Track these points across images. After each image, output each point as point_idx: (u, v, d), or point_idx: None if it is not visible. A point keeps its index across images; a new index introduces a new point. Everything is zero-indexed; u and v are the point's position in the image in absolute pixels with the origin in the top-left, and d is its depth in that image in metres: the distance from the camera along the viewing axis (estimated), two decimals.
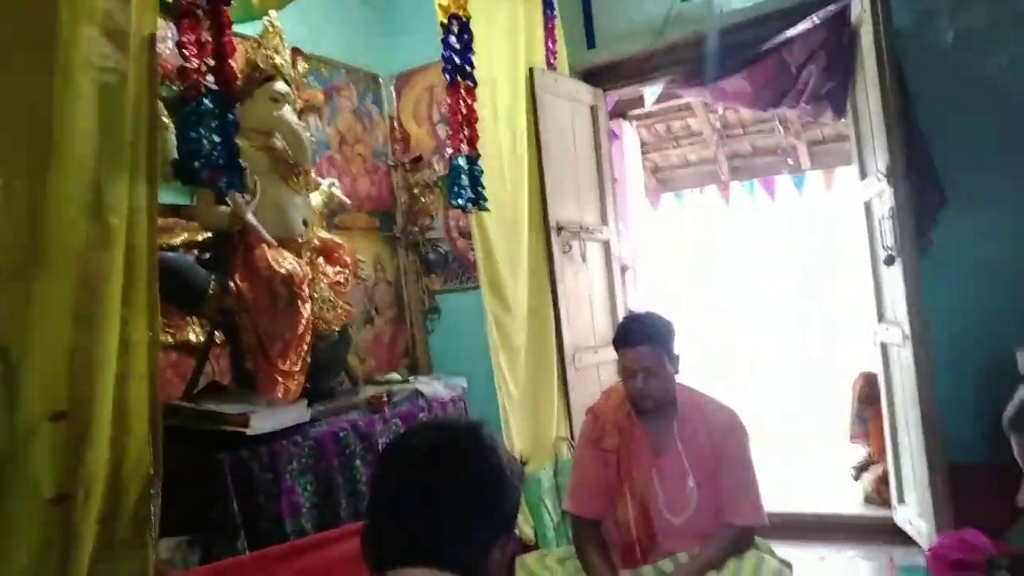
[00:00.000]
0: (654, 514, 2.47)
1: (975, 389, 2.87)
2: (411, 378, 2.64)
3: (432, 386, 2.48)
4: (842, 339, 4.69)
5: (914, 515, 2.90)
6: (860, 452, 3.87)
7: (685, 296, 5.23)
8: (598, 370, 3.39)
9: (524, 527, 2.67)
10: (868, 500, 3.54)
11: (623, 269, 3.83)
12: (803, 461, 4.55)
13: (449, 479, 0.92)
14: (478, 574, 0.92)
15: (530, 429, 2.93)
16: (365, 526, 0.96)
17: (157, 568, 1.61)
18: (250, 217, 2.04)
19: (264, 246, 2.08)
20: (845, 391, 4.00)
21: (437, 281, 3.87)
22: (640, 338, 2.37)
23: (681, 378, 2.59)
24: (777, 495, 3.79)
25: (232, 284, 2.03)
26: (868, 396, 3.70)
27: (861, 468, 3.77)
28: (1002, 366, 2.71)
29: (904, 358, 2.77)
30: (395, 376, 2.69)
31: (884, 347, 3.05)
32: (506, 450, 1.01)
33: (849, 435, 3.90)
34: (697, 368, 4.97)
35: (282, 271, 2.06)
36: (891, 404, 3.09)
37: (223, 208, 2.06)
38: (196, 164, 1.60)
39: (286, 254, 2.14)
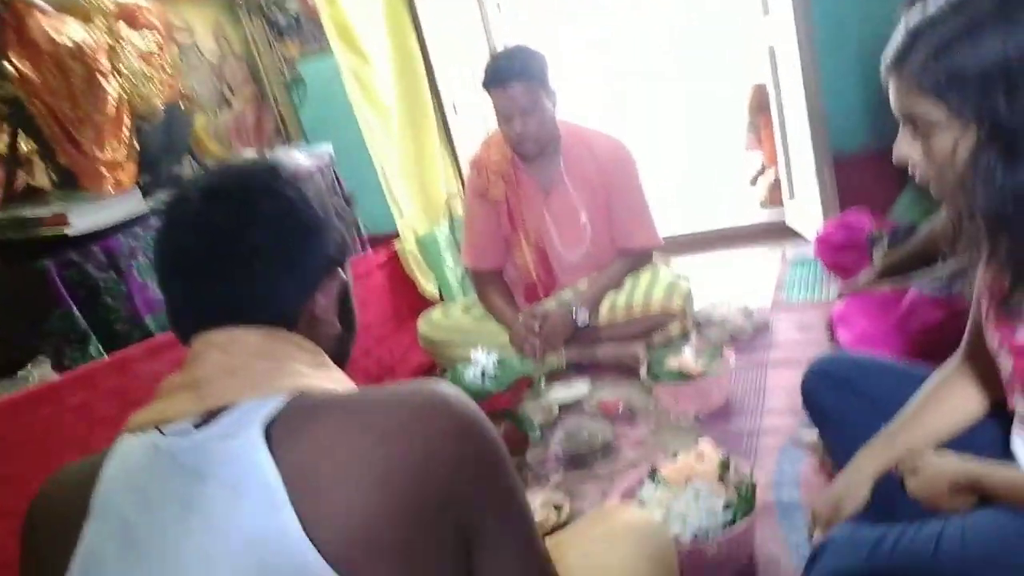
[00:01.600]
0: (551, 253, 2.44)
1: (860, 75, 2.81)
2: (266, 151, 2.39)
3: (290, 156, 2.25)
4: (734, 50, 4.55)
5: (803, 208, 2.97)
6: (756, 160, 3.91)
7: (563, 22, 4.88)
8: (483, 115, 3.18)
9: (426, 285, 2.62)
10: (763, 205, 3.61)
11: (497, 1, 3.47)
12: (703, 178, 4.63)
13: (239, 224, 0.76)
14: (300, 322, 0.79)
15: (417, 189, 2.78)
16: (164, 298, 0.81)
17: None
18: None
19: (37, 14, 1.71)
20: (740, 103, 3.95)
21: (293, 47, 3.43)
22: (511, 75, 2.16)
23: (562, 114, 2.43)
24: (678, 216, 3.85)
25: (10, 66, 1.69)
26: (759, 105, 3.64)
27: (757, 175, 3.83)
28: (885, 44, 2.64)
29: (790, 54, 2.65)
30: (248, 152, 2.43)
31: (771, 50, 2.92)
32: (318, 186, 0.85)
33: (745, 145, 3.91)
34: (583, 101, 4.82)
35: (68, 43, 1.71)
36: (779, 105, 3.02)
37: None
38: None
39: (69, 20, 1.77)
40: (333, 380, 0.77)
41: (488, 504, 0.70)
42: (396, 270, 2.54)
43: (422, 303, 2.57)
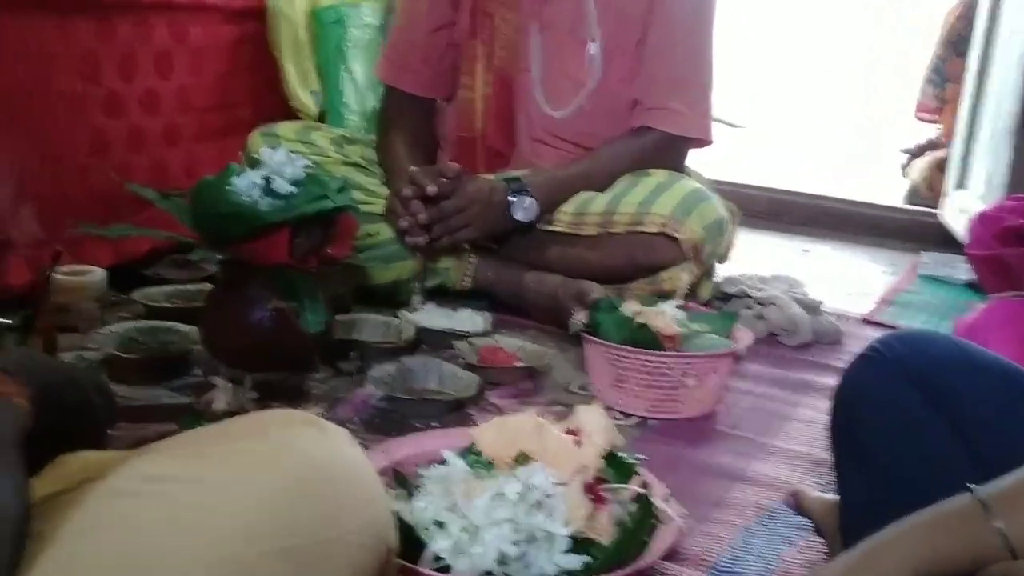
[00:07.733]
0: (519, 96, 1.95)
1: None
2: None
3: None
4: None
5: (974, 198, 2.50)
6: (925, 134, 3.48)
7: None
8: None
9: (299, 91, 2.16)
10: (913, 196, 3.24)
11: None
12: (838, 139, 4.32)
13: None
14: None
15: None
16: None
17: None
18: None
19: None
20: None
21: None
22: None
23: None
24: (781, 170, 3.63)
25: None
26: (959, 39, 3.20)
27: (915, 154, 3.41)
28: None
29: None
30: None
31: None
32: None
33: (916, 106, 3.51)
34: None
35: None
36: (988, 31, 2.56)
37: None
38: None
39: None
40: None
41: None
42: (256, 47, 2.09)
43: (279, 114, 2.11)
